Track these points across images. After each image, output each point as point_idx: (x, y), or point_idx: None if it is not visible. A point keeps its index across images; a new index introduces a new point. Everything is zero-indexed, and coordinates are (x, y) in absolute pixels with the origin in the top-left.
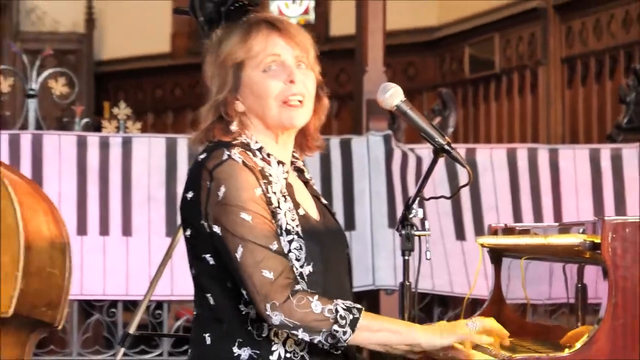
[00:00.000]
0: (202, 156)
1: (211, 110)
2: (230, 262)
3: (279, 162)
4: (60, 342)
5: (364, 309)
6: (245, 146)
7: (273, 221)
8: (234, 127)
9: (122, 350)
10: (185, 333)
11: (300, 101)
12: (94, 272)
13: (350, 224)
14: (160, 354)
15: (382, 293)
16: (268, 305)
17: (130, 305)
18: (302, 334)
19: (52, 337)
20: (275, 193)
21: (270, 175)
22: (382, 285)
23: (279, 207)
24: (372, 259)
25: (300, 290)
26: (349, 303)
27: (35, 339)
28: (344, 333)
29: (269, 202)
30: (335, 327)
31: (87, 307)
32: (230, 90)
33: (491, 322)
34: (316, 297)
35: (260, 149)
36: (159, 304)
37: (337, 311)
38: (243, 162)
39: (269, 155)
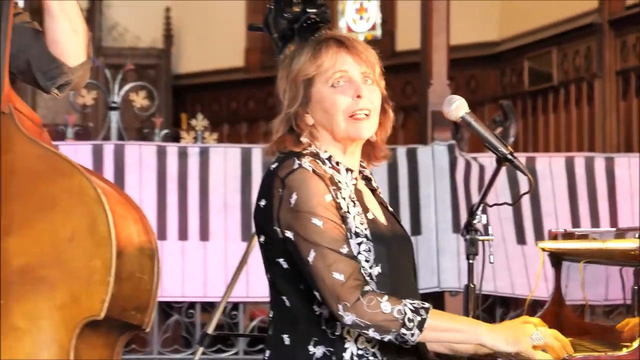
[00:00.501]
0: (274, 165)
1: (282, 122)
2: (303, 266)
3: (348, 170)
4: (141, 342)
5: (431, 307)
6: (315, 155)
7: (343, 226)
8: (304, 138)
9: (201, 349)
10: (259, 333)
11: (366, 114)
12: (174, 275)
13: (417, 229)
14: (236, 353)
15: (447, 294)
16: (340, 306)
17: (208, 307)
18: (372, 333)
19: (133, 337)
20: (344, 198)
21: (340, 182)
22: (447, 287)
23: (348, 211)
24: (437, 262)
25: (370, 291)
26: (417, 303)
27: (124, 340)
28: (412, 334)
29: (338, 207)
30: (403, 329)
31: (166, 308)
32: (300, 104)
33: (553, 340)
34: (385, 297)
35: (329, 158)
36: (235, 305)
37: (405, 312)
38: (313, 170)
39: (337, 163)
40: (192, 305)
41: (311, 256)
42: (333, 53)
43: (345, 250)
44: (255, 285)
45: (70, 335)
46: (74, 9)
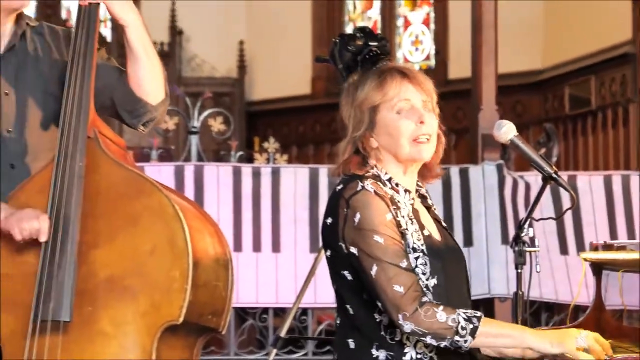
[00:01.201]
0: (339, 187)
1: (348, 145)
2: (366, 279)
3: (406, 191)
4: (219, 344)
5: (482, 316)
6: (376, 177)
7: (402, 242)
8: (370, 160)
9: (274, 351)
10: (326, 336)
11: (427, 139)
12: (248, 283)
13: (469, 240)
14: (306, 354)
15: (497, 301)
16: (400, 316)
17: (279, 312)
18: (430, 340)
19: (212, 340)
20: (403, 217)
21: (399, 201)
22: (497, 294)
23: (406, 228)
24: (488, 271)
25: (427, 302)
26: (469, 312)
27: (202, 342)
28: (465, 341)
29: (398, 225)
30: (457, 336)
31: (242, 313)
32: (366, 128)
33: (594, 343)
34: (441, 307)
35: (389, 180)
36: (304, 311)
37: (459, 321)
38: (375, 191)
39: (397, 184)
40: (265, 310)
41: (374, 270)
42: (397, 83)
43: (404, 264)
44: (322, 293)
45: (152, 339)
46: (154, 51)
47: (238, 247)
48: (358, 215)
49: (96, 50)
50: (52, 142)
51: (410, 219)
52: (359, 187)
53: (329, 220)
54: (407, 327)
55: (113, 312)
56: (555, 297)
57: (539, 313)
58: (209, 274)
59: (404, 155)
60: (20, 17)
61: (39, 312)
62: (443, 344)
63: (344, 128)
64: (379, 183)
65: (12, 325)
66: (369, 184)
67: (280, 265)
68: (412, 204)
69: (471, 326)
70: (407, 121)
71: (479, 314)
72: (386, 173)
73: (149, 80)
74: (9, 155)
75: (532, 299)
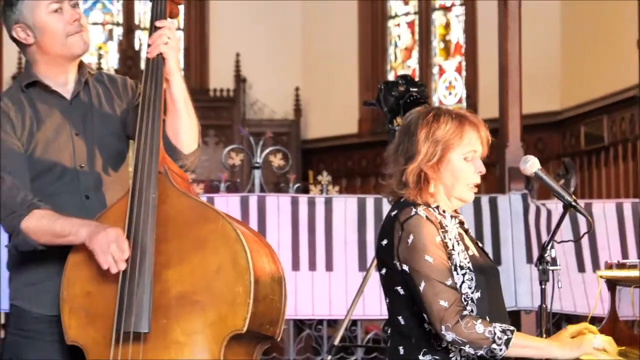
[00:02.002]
0: (394, 212)
1: (414, 172)
2: (416, 293)
3: (452, 216)
4: (280, 351)
5: (515, 329)
6: (427, 204)
7: (449, 262)
8: (431, 189)
9: (329, 357)
10: (374, 344)
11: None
12: (305, 298)
13: (497, 260)
14: None
15: (522, 313)
16: (443, 327)
17: (332, 323)
18: (468, 349)
19: (274, 348)
20: (450, 239)
21: (447, 225)
22: (522, 307)
23: (453, 249)
24: (515, 287)
25: (467, 315)
26: (504, 326)
27: (261, 349)
28: (500, 350)
29: (445, 246)
30: (494, 345)
31: (300, 324)
32: (435, 162)
33: (609, 345)
34: (479, 320)
35: (437, 207)
36: (354, 322)
37: (495, 333)
38: (426, 216)
39: (444, 211)
40: (320, 322)
41: (422, 286)
42: (472, 132)
43: (449, 282)
44: (370, 306)
45: (220, 347)
46: (192, 106)
47: (296, 266)
48: (411, 237)
49: (163, 96)
50: (120, 175)
51: (457, 241)
52: (413, 212)
53: (385, 242)
54: (449, 336)
55: (185, 323)
56: (574, 309)
57: (559, 323)
58: (267, 289)
59: (457, 195)
60: (81, 66)
61: (122, 325)
62: (480, 352)
63: (416, 154)
64: (430, 209)
65: (94, 335)
66: (421, 210)
67: (333, 282)
68: (457, 229)
69: (505, 337)
70: (470, 169)
71: (512, 327)
72: (434, 201)
73: (185, 132)
74: (83, 188)
75: (553, 312)
